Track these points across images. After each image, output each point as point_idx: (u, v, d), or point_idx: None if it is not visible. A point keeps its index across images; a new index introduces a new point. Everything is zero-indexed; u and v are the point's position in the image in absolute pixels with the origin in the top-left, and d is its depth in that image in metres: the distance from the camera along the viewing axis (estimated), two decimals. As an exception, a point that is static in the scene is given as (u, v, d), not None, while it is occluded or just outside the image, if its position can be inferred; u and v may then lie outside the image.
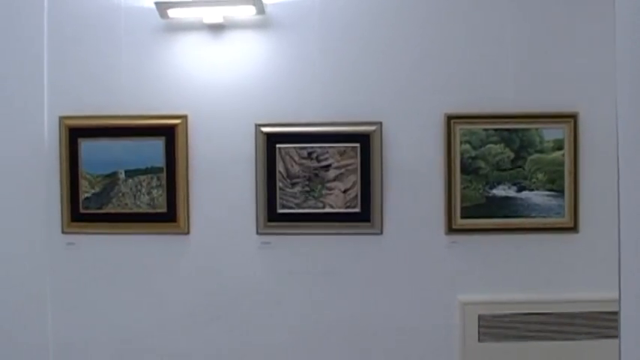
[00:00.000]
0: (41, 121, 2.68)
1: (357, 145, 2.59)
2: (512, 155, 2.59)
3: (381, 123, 2.59)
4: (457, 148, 2.59)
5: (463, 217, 2.60)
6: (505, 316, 2.59)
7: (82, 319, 2.70)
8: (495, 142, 2.59)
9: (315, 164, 2.61)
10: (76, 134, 2.66)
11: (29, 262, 2.69)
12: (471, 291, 2.61)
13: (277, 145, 2.61)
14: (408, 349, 2.63)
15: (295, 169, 2.61)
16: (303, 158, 2.61)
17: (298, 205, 2.62)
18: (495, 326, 2.59)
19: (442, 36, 2.62)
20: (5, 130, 2.68)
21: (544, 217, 2.60)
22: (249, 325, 2.66)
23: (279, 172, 2.61)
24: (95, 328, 2.70)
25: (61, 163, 2.67)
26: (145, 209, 2.66)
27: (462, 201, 2.60)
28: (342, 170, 2.60)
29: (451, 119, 2.58)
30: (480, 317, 2.59)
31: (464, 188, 2.60)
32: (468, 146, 2.59)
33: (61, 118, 2.67)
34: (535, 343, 2.58)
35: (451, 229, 2.60)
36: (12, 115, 2.68)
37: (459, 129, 2.59)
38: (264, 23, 2.63)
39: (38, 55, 2.67)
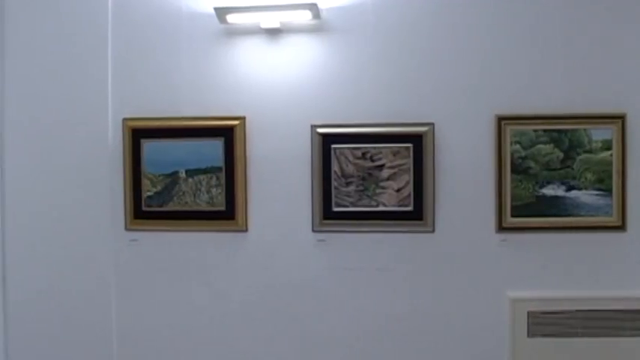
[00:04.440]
0: (105, 123, 2.78)
1: (410, 145, 2.65)
2: (561, 155, 2.63)
3: (433, 124, 2.64)
4: (507, 149, 2.64)
5: (513, 215, 2.65)
6: (554, 312, 2.63)
7: (144, 311, 2.81)
8: (545, 143, 2.63)
9: (369, 164, 2.68)
10: (138, 135, 2.75)
11: (95, 257, 2.79)
12: (521, 288, 2.65)
13: (332, 146, 2.68)
14: (459, 343, 2.69)
15: (350, 168, 2.69)
16: (358, 158, 2.68)
17: (353, 204, 2.69)
18: (544, 322, 2.63)
19: (493, 38, 2.66)
20: (72, 132, 2.79)
21: (592, 215, 2.63)
22: (305, 319, 2.74)
23: (334, 171, 2.68)
24: (156, 320, 2.81)
25: (124, 163, 2.77)
26: (204, 207, 2.74)
27: (513, 200, 2.64)
28: (396, 170, 2.67)
29: (502, 120, 2.63)
30: (530, 313, 2.63)
31: (514, 187, 2.64)
32: (518, 146, 2.64)
33: (124, 120, 2.77)
34: (583, 340, 2.62)
35: (501, 228, 2.65)
36: (78, 118, 2.78)
37: (509, 130, 2.64)
38: (319, 27, 2.70)
39: (102, 60, 2.77)
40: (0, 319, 2.83)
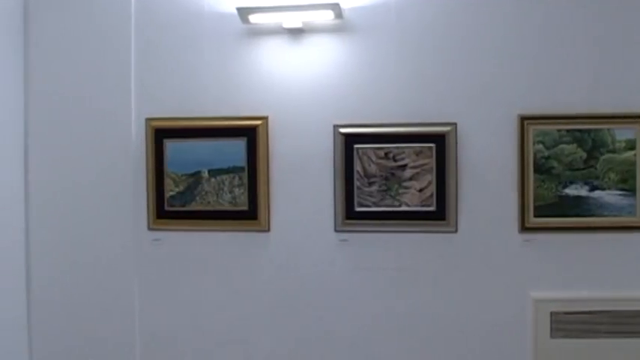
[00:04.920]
0: (128, 122, 2.80)
1: (433, 145, 2.65)
2: (584, 155, 2.62)
3: (455, 124, 2.64)
4: (530, 149, 2.63)
5: (536, 215, 2.64)
6: (577, 313, 2.61)
7: (166, 310, 2.83)
8: (568, 143, 2.62)
9: (391, 164, 2.68)
10: (161, 135, 2.77)
11: (118, 257, 2.81)
12: (544, 288, 2.64)
13: (355, 146, 2.68)
14: (481, 343, 2.68)
15: (372, 168, 2.69)
16: (380, 158, 2.68)
17: (375, 204, 2.69)
18: (567, 323, 2.62)
19: (515, 38, 2.65)
20: (95, 132, 2.80)
21: (616, 216, 2.61)
22: (327, 319, 2.74)
23: (357, 171, 2.68)
24: (179, 319, 2.82)
25: (147, 163, 2.79)
26: (227, 207, 2.75)
27: (535, 200, 2.63)
28: (418, 170, 2.67)
29: (524, 120, 2.62)
30: (552, 314, 2.62)
31: (537, 187, 2.63)
32: (541, 146, 2.63)
33: (147, 120, 2.79)
34: (607, 340, 2.60)
35: (524, 228, 2.64)
36: (101, 118, 2.80)
37: (532, 129, 2.62)
38: (341, 27, 2.70)
39: (125, 60, 2.79)
40: (23, 318, 2.85)
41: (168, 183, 2.78)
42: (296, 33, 2.72)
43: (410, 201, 2.67)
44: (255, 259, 2.77)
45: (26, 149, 2.85)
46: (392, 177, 2.68)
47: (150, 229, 2.81)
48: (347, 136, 2.68)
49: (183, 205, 2.78)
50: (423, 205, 2.67)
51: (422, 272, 2.70)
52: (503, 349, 2.67)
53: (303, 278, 2.75)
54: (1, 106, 2.73)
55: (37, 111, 2.85)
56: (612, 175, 2.62)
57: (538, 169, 2.63)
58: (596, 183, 2.62)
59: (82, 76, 2.82)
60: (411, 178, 2.67)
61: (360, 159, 2.68)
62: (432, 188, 2.66)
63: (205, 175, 2.76)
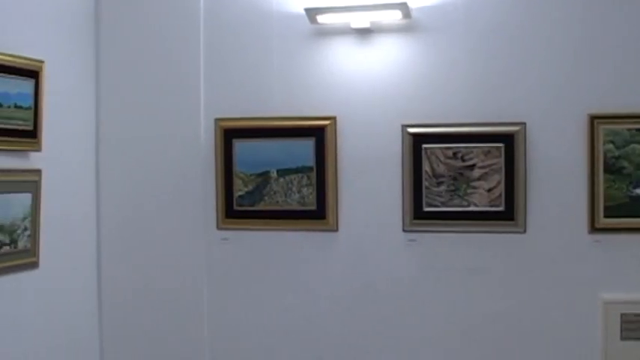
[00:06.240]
0: (198, 123, 2.84)
1: (502, 145, 2.63)
2: (656, 155, 2.60)
3: (524, 123, 2.62)
4: (600, 148, 2.59)
5: (606, 216, 2.60)
6: (648, 315, 2.60)
7: (235, 309, 2.86)
8: (639, 142, 2.59)
9: (460, 164, 2.67)
10: (230, 135, 2.80)
11: (187, 256, 2.86)
12: (614, 290, 2.60)
13: (423, 145, 2.68)
14: (551, 345, 2.65)
15: (441, 168, 2.68)
16: (449, 158, 2.68)
17: (443, 204, 2.69)
18: (638, 325, 2.59)
19: (585, 36, 2.61)
20: (165, 132, 2.86)
21: (688, 217, 2.58)
22: (396, 319, 2.74)
23: (425, 171, 2.69)
24: (247, 318, 2.85)
25: (216, 163, 2.82)
26: (295, 207, 2.78)
27: (605, 200, 2.60)
28: (487, 169, 2.66)
29: (594, 119, 2.58)
30: (623, 316, 2.59)
31: (607, 188, 2.60)
32: (611, 146, 2.60)
33: (217, 120, 2.82)
34: (678, 344, 2.58)
35: (594, 228, 2.61)
36: (171, 118, 2.85)
37: (602, 129, 2.59)
38: (409, 27, 2.70)
39: (194, 61, 2.83)
40: (95, 316, 2.91)
41: (237, 183, 2.81)
42: (364, 33, 2.73)
43: (478, 201, 2.67)
44: (323, 259, 2.79)
45: (97, 149, 2.92)
46: (460, 177, 2.67)
47: (219, 228, 2.84)
48: (415, 135, 2.69)
49: (252, 205, 2.80)
50: (491, 206, 2.66)
51: (491, 273, 2.68)
52: (572, 351, 2.64)
53: (372, 278, 2.75)
54: (73, 108, 2.80)
55: (108, 112, 2.92)
56: (685, 175, 2.58)
57: (608, 169, 2.60)
58: (668, 183, 2.59)
59: (151, 77, 2.87)
60: (479, 178, 2.66)
61: (429, 159, 2.68)
62: (501, 188, 2.65)
63: (274, 174, 2.78)
